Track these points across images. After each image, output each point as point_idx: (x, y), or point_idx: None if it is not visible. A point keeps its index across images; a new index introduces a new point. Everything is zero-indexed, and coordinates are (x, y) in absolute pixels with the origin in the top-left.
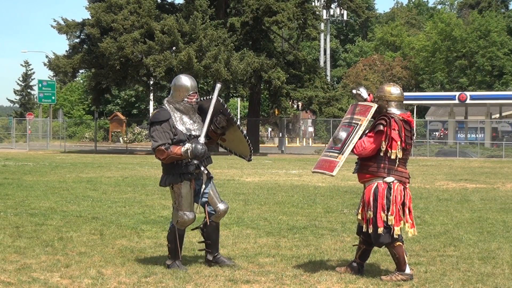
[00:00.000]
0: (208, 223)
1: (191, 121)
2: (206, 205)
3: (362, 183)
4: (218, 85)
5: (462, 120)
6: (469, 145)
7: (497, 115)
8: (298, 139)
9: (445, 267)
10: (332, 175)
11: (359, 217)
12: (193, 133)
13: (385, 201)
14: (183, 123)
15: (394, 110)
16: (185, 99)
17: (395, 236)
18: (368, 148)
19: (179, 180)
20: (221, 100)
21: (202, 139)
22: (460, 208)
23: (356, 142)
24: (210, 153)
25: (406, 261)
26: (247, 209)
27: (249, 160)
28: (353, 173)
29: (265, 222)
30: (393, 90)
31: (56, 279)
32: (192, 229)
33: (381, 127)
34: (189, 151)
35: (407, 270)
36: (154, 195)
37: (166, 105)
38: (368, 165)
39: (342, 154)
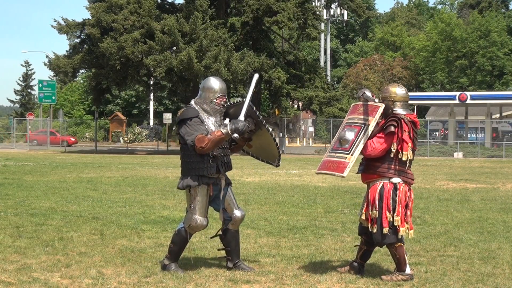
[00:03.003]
0: (223, 229)
1: (217, 124)
2: (222, 211)
3: (366, 183)
4: (256, 75)
5: (462, 120)
6: (469, 145)
7: (498, 115)
8: (298, 139)
9: (445, 267)
10: (343, 176)
11: (363, 217)
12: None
13: (391, 201)
14: (210, 125)
15: (399, 111)
16: (214, 100)
17: (398, 236)
18: (378, 149)
19: (197, 183)
20: (250, 103)
21: (242, 118)
22: (460, 208)
23: (366, 143)
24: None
25: (407, 261)
26: (247, 209)
27: (277, 165)
28: (357, 173)
29: (265, 222)
30: (398, 90)
31: (57, 279)
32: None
33: (393, 128)
34: (228, 127)
35: (408, 270)
36: (155, 195)
37: (194, 105)
38: (376, 165)
39: (352, 155)
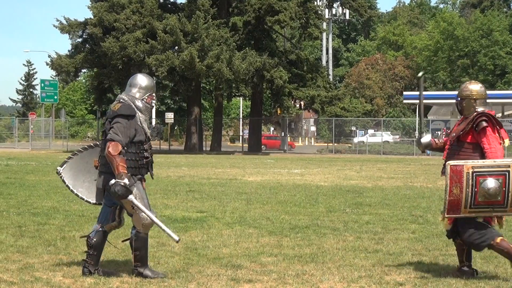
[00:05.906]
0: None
1: (147, 122)
2: (121, 211)
3: None
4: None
5: None
6: None
7: (499, 114)
8: (300, 138)
9: (447, 266)
10: None
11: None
12: (148, 135)
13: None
14: (143, 122)
15: (481, 109)
16: (145, 98)
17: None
18: (500, 148)
19: (133, 181)
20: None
21: (127, 181)
22: None
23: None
24: (213, 152)
25: None
26: (249, 208)
27: (95, 203)
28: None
29: (267, 222)
30: (478, 87)
31: (59, 278)
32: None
33: (485, 124)
34: (118, 184)
35: None
36: (156, 195)
37: (128, 101)
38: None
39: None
